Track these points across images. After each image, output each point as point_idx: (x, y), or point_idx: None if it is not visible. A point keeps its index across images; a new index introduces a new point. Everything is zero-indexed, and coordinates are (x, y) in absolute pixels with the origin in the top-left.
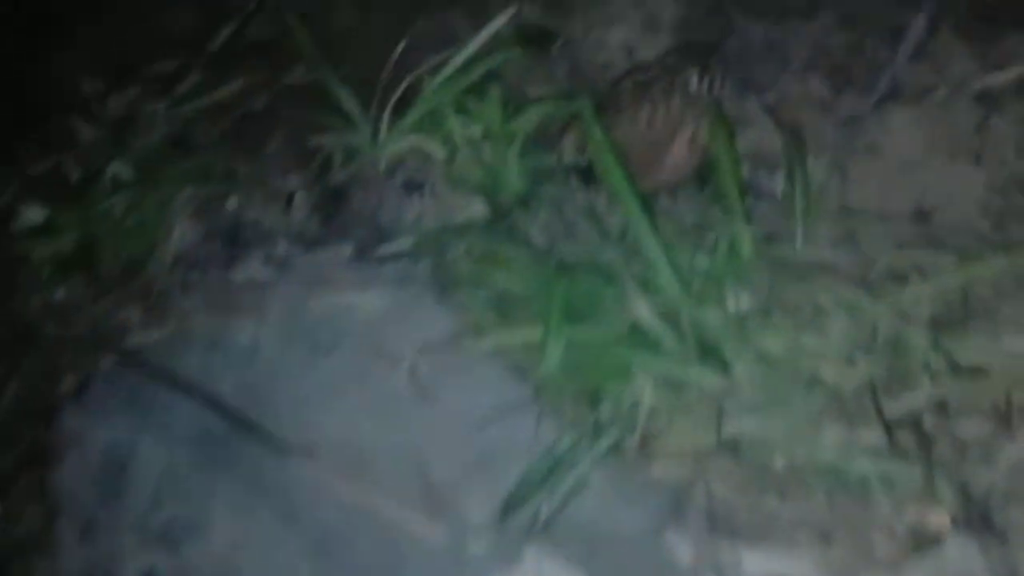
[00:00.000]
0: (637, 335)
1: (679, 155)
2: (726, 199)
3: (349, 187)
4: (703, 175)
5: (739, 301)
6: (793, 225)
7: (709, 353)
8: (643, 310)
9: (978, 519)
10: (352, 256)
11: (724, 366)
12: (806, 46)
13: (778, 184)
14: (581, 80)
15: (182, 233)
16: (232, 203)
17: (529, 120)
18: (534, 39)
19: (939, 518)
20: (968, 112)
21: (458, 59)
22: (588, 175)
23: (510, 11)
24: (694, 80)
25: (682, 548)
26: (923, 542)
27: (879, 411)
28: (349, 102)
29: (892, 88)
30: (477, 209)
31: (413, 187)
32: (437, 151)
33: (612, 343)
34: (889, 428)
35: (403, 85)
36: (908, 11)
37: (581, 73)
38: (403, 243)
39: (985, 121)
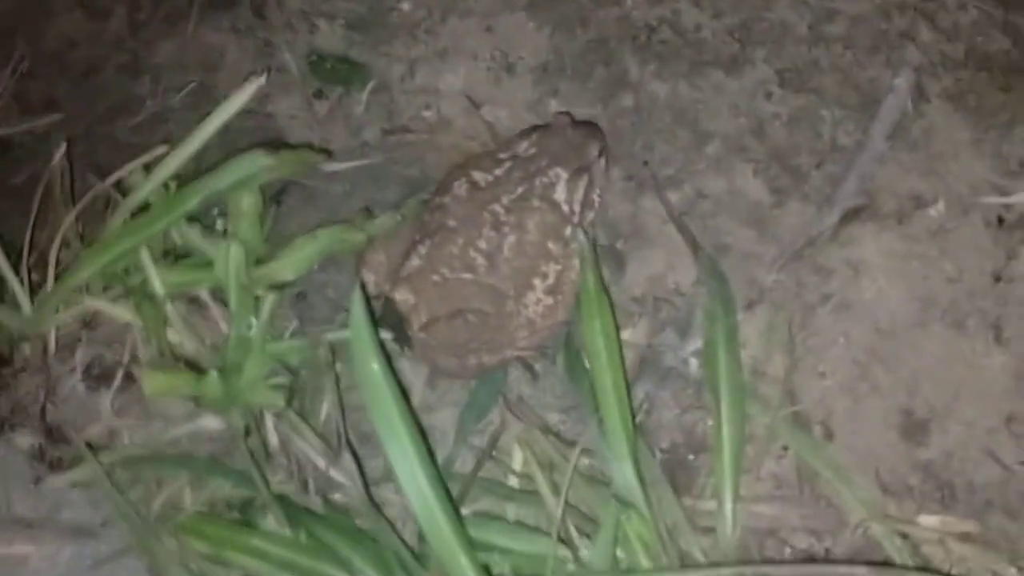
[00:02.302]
0: None
1: (537, 310)
2: (605, 423)
3: (13, 361)
4: (573, 331)
5: None
6: (717, 466)
7: None
8: None
9: None
10: (27, 460)
11: None
12: (731, 114)
13: (690, 354)
14: (397, 155)
15: None
16: None
17: (297, 260)
18: (335, 78)
19: None
20: (981, 243)
21: (169, 164)
22: (397, 329)
23: (257, 81)
24: (562, 184)
25: None
26: None
27: None
28: None
29: (862, 194)
30: (203, 423)
31: (98, 377)
32: (135, 320)
33: None
34: None
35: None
36: (881, 65)
37: (399, 140)
38: (84, 471)
39: (1008, 262)
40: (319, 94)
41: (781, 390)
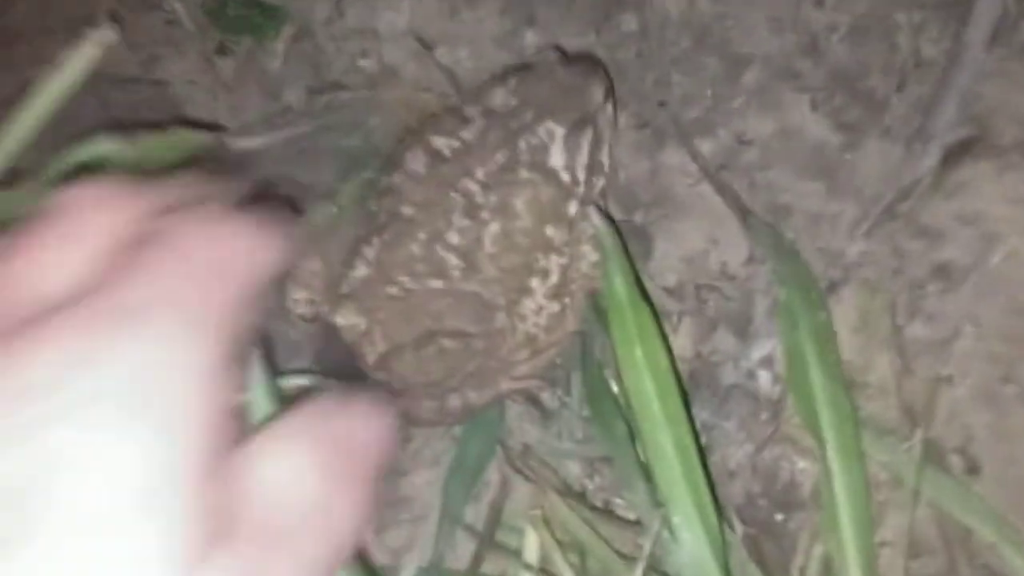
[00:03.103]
0: None
1: (538, 321)
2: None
3: None
4: (590, 344)
5: None
6: (832, 539)
7: None
8: None
9: None
10: None
11: None
12: (772, 30)
13: (757, 363)
14: (331, 121)
15: None
16: None
17: None
18: (241, 27)
19: None
20: None
21: None
22: (345, 368)
23: (100, 35)
24: (558, 144)
25: None
26: None
27: None
28: None
29: (967, 123)
30: None
31: None
32: None
33: None
34: None
35: None
36: None
37: (331, 100)
38: None
39: None
40: (222, 49)
41: (896, 408)
